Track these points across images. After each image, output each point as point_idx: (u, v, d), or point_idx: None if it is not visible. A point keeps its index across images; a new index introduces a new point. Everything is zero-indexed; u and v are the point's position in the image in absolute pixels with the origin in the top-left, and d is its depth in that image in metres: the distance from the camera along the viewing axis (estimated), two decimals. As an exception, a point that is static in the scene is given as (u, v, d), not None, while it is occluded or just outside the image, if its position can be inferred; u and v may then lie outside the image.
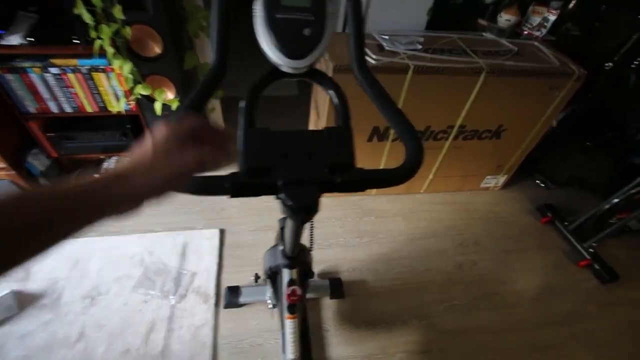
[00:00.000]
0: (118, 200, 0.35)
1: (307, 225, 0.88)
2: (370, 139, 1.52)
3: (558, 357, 1.29)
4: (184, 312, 1.27)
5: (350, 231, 1.62)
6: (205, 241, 1.50)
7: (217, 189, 0.47)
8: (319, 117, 1.55)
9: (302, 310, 0.87)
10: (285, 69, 0.52)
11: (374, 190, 1.78)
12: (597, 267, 1.56)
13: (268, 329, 1.25)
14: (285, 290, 0.74)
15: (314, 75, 0.57)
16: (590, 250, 1.59)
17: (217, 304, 1.30)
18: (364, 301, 1.37)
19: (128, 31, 1.16)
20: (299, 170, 0.49)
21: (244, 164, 0.47)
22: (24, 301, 1.25)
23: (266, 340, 1.23)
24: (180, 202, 1.67)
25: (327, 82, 0.58)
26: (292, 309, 0.74)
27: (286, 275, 0.77)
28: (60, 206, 0.32)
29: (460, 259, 1.57)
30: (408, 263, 1.52)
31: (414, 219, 1.72)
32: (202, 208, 1.65)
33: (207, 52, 1.55)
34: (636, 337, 1.38)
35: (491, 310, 1.40)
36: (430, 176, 1.75)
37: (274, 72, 0.55)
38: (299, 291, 0.64)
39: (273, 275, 0.85)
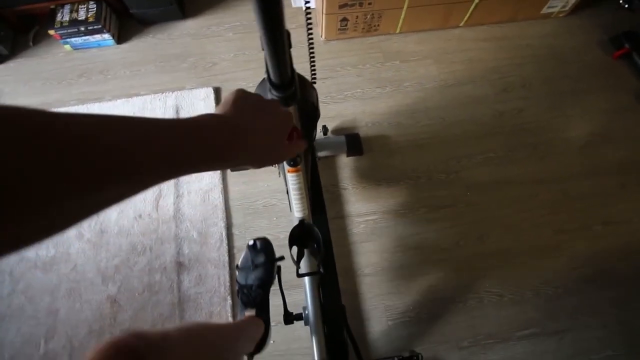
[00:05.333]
0: (224, 150, 0.29)
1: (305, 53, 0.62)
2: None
3: (600, 207, 1.17)
4: (190, 178, 1.18)
5: (369, 80, 1.34)
6: (200, 102, 1.29)
7: None
8: None
9: (308, 164, 0.71)
10: None
11: (398, 28, 1.40)
12: (673, 107, 1.27)
13: (280, 189, 1.17)
14: None
15: None
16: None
17: (222, 168, 1.19)
18: (384, 157, 1.22)
19: None
20: None
21: None
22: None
23: (279, 201, 1.16)
24: (162, 59, 1.40)
25: None
26: (292, 158, 0.57)
27: None
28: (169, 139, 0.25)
29: (501, 106, 1.31)
30: (437, 114, 1.29)
31: (448, 61, 1.38)
32: (189, 64, 1.38)
33: None
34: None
35: (529, 161, 1.23)
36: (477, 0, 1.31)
37: None
38: (296, 133, 0.45)
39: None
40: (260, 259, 0.78)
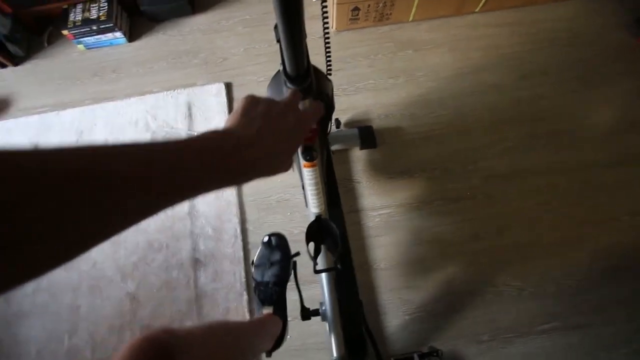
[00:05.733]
0: (234, 169, 0.28)
1: (320, 44, 0.61)
2: None
3: (625, 198, 1.12)
4: (203, 174, 1.19)
5: (381, 70, 1.31)
6: (212, 98, 1.29)
7: None
8: None
9: (324, 158, 0.70)
10: None
11: (410, 16, 1.36)
12: None
13: (293, 184, 1.16)
14: None
15: None
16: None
17: (235, 164, 1.19)
18: (398, 150, 1.20)
19: None
20: None
21: None
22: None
23: (292, 196, 1.15)
24: (173, 55, 1.40)
25: None
26: (308, 153, 0.56)
27: None
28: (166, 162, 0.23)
29: (519, 94, 1.26)
30: (452, 104, 1.26)
31: (463, 49, 1.34)
32: (200, 60, 1.38)
33: None
34: None
35: (550, 150, 1.18)
36: (493, -17, 1.26)
37: None
38: (313, 133, 0.44)
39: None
40: (276, 256, 0.78)
